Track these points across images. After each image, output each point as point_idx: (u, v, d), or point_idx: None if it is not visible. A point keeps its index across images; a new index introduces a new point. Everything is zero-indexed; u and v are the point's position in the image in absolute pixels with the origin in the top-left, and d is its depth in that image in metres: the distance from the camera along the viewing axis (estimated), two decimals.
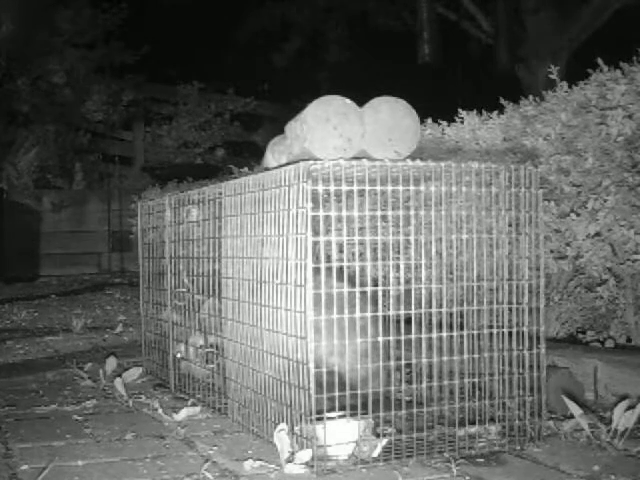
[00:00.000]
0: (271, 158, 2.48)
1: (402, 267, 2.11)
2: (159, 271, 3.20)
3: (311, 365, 1.96)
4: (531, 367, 2.19)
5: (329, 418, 1.98)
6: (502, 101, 3.86)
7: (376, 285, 2.07)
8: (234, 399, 2.46)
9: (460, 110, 3.99)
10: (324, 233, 1.99)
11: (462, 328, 2.14)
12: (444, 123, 4.08)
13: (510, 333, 2.18)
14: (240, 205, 2.38)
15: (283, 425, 2.02)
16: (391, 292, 2.11)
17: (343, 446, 2.00)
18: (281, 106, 12.11)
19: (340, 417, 2.03)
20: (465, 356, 2.14)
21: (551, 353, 2.71)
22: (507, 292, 2.19)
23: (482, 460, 2.05)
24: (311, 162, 1.99)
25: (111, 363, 3.24)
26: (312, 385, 1.95)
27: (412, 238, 2.13)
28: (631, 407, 2.16)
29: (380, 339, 2.08)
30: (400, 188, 2.08)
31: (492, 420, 2.19)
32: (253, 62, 13.89)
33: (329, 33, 14.26)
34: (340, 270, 2.11)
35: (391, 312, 2.12)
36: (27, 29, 10.85)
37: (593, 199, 3.11)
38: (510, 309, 2.19)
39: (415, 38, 12.55)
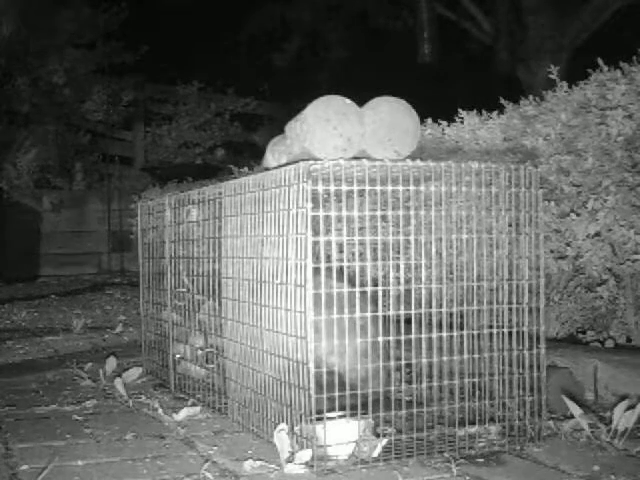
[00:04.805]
0: (271, 158, 2.48)
1: (402, 267, 2.11)
2: (159, 271, 3.20)
3: (311, 365, 1.96)
4: (531, 367, 2.19)
5: (329, 418, 1.98)
6: (502, 101, 3.86)
7: (376, 285, 2.07)
8: (234, 399, 2.46)
9: (460, 110, 3.99)
10: (324, 233, 1.99)
11: (462, 328, 2.14)
12: (444, 123, 4.08)
13: (510, 333, 2.19)
14: (240, 205, 2.38)
15: (283, 425, 2.02)
16: (391, 292, 2.11)
17: (343, 446, 2.00)
18: (281, 106, 12.11)
19: (340, 417, 2.03)
20: (465, 356, 2.14)
21: (551, 353, 2.71)
22: (507, 292, 2.19)
23: (482, 460, 2.05)
24: (311, 162, 1.99)
25: (111, 363, 3.24)
26: (312, 385, 1.95)
27: (412, 238, 2.13)
28: (631, 407, 2.16)
29: (380, 339, 2.08)
30: (400, 188, 2.08)
31: (492, 420, 2.19)
32: (253, 62, 13.88)
33: (329, 33, 14.25)
34: (340, 270, 2.11)
35: (391, 312, 2.12)
36: (27, 29, 10.84)
37: (593, 199, 3.11)
38: (510, 309, 2.19)
39: (415, 38, 12.54)
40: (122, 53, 11.88)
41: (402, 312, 2.10)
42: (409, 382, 2.31)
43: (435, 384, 2.13)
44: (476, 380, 2.15)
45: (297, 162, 2.02)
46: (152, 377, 3.28)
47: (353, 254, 2.13)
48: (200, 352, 2.91)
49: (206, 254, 2.71)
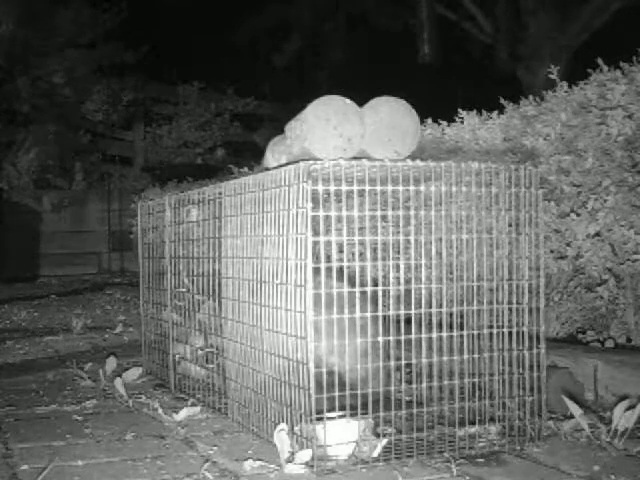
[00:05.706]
0: (271, 158, 2.48)
1: (402, 267, 2.11)
2: (159, 271, 3.20)
3: (311, 365, 1.96)
4: (531, 367, 2.19)
5: (329, 418, 1.98)
6: (502, 101, 3.86)
7: (376, 285, 2.07)
8: (234, 399, 2.46)
9: (460, 110, 3.99)
10: (324, 233, 1.99)
11: (462, 328, 2.14)
12: (444, 123, 4.08)
13: (510, 333, 2.18)
14: (240, 205, 2.38)
15: (283, 425, 2.02)
16: (391, 292, 2.11)
17: (343, 446, 2.00)
18: (281, 106, 12.13)
19: (340, 417, 2.03)
20: (465, 356, 2.14)
21: (551, 353, 2.71)
22: (507, 292, 2.19)
23: (482, 460, 2.05)
24: (311, 162, 1.99)
25: (111, 363, 3.24)
26: (312, 385, 1.95)
27: (412, 238, 2.13)
28: (631, 407, 2.16)
29: (380, 339, 2.08)
30: (400, 188, 2.08)
31: (492, 420, 2.19)
32: (253, 62, 13.89)
33: (329, 33, 14.25)
34: (340, 270, 2.11)
35: (391, 312, 2.12)
36: (27, 29, 10.84)
37: (593, 199, 3.11)
38: (510, 309, 2.19)
39: (415, 38, 12.54)
40: (122, 53, 11.89)
41: (402, 312, 2.10)
42: (409, 382, 2.30)
43: (435, 384, 2.13)
44: (476, 380, 2.15)
45: (297, 162, 2.02)
46: (152, 377, 3.28)
47: (353, 254, 2.13)
48: (200, 352, 2.91)
49: (206, 254, 2.71)
